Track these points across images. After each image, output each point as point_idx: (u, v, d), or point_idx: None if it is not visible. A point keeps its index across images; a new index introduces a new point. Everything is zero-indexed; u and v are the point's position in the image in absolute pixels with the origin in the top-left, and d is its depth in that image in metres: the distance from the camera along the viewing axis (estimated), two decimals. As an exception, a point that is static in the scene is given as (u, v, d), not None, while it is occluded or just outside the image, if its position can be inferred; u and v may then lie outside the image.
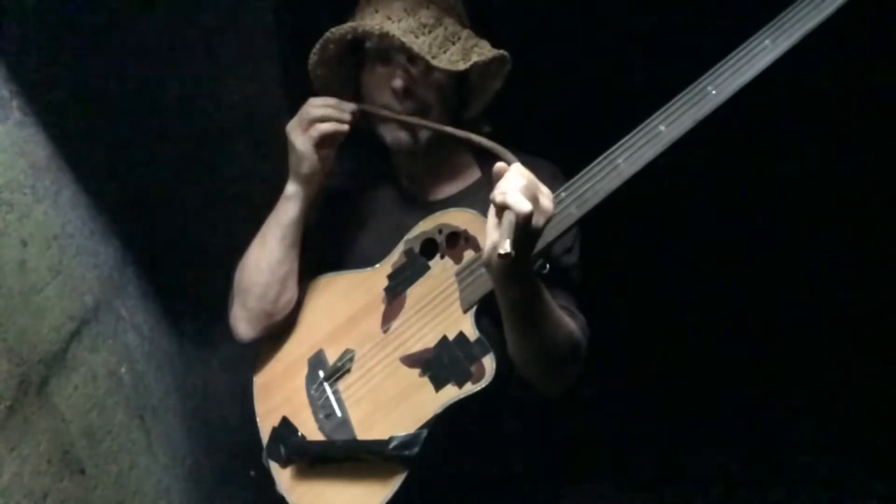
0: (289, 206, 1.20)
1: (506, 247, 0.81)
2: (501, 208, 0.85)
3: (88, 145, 1.38)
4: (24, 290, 1.09)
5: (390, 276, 1.19)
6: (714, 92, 0.98)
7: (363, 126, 1.23)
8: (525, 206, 0.83)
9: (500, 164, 0.91)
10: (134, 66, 1.49)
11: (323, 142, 1.15)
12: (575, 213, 1.01)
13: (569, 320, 1.09)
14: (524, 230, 0.85)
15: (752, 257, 2.25)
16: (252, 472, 1.79)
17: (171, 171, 1.61)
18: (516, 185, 0.86)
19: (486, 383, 1.05)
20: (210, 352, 1.80)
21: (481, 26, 1.21)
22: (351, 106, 1.17)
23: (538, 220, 0.87)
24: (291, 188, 1.19)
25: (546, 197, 0.90)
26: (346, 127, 1.15)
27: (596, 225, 1.20)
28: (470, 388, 1.06)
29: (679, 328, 2.24)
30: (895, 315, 2.11)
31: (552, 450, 1.43)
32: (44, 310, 1.14)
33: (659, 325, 2.25)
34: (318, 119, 1.14)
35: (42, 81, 1.23)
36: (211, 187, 1.65)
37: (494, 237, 0.87)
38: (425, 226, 1.17)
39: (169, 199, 1.63)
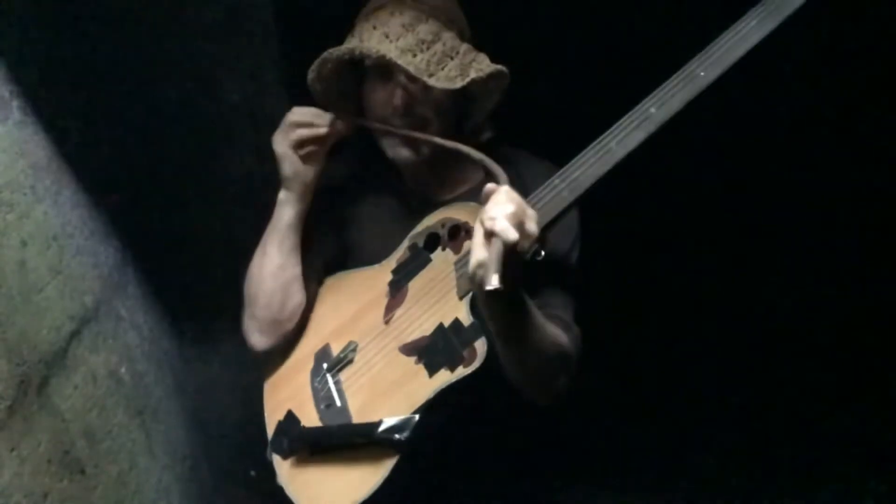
0: (283, 211, 1.22)
1: (493, 282, 0.84)
2: (489, 234, 0.88)
3: (88, 145, 1.38)
4: (24, 290, 1.09)
5: (394, 271, 1.21)
6: (703, 73, 1.01)
7: (365, 135, 1.23)
8: (512, 234, 0.87)
9: (489, 186, 0.94)
10: (134, 66, 1.50)
11: (303, 144, 1.17)
12: (568, 196, 1.03)
13: (558, 332, 1.09)
14: (511, 255, 0.88)
15: (752, 257, 2.25)
16: (252, 472, 1.79)
17: (171, 172, 1.61)
18: (505, 211, 0.89)
19: (478, 366, 1.06)
20: (210, 352, 1.80)
21: (480, 27, 1.21)
22: (329, 117, 1.18)
23: (523, 245, 0.91)
24: (282, 193, 1.22)
25: (532, 221, 0.93)
26: (323, 131, 1.17)
27: (596, 224, 1.21)
28: (462, 371, 1.07)
29: (678, 328, 2.24)
30: (895, 315, 2.11)
31: (549, 448, 1.43)
32: (44, 310, 1.14)
33: (658, 325, 2.25)
34: (295, 124, 1.17)
35: (42, 81, 1.23)
36: (211, 187, 1.66)
37: (480, 255, 0.90)
38: (429, 221, 1.19)
39: (169, 200, 1.63)
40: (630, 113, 1.02)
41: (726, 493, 1.96)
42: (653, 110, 1.01)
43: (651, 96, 1.02)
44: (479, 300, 1.00)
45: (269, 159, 1.24)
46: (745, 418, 2.15)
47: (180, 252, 1.66)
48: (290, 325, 1.26)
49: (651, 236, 2.19)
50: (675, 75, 1.02)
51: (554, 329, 1.09)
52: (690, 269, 2.23)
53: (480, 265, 0.89)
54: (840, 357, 2.19)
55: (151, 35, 1.49)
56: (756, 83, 1.03)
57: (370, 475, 1.11)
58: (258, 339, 1.26)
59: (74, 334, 1.23)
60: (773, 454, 2.05)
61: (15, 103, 1.15)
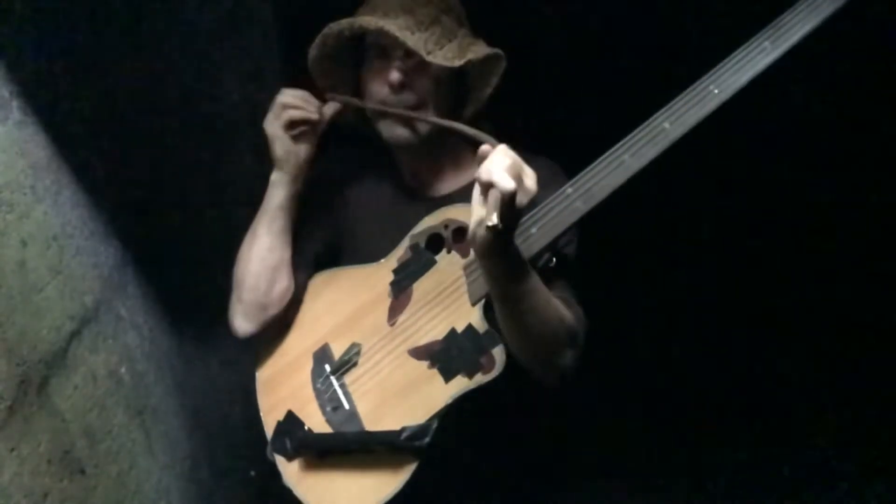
0: (274, 192, 1.23)
1: (493, 219, 0.85)
2: (487, 186, 0.88)
3: (88, 145, 1.38)
4: (24, 290, 1.09)
5: (396, 271, 1.20)
6: (716, 91, 1.01)
7: (362, 124, 1.24)
8: (509, 183, 0.86)
9: (484, 147, 0.94)
10: (134, 66, 1.49)
11: (293, 126, 1.18)
12: (581, 207, 1.04)
13: (561, 305, 1.09)
14: (508, 207, 0.88)
15: (753, 257, 2.25)
16: (252, 472, 1.79)
17: (171, 171, 1.61)
18: (501, 164, 0.89)
19: (497, 373, 1.07)
20: (210, 352, 1.80)
21: (483, 26, 1.22)
22: (317, 102, 1.19)
23: (521, 199, 0.90)
24: (274, 175, 1.23)
25: (530, 178, 0.92)
26: (314, 114, 1.18)
27: (597, 224, 1.21)
28: (480, 378, 1.08)
29: (680, 327, 2.24)
30: (895, 314, 2.11)
31: (554, 448, 1.43)
32: (44, 310, 1.14)
33: (659, 324, 2.25)
34: (285, 105, 1.18)
35: (42, 81, 1.23)
36: (211, 187, 1.65)
37: (480, 213, 0.90)
38: (431, 221, 1.19)
39: (169, 199, 1.63)
40: (643, 126, 1.02)
41: (726, 493, 1.96)
42: (666, 125, 1.01)
43: (664, 111, 1.02)
44: (480, 256, 0.99)
45: (269, 159, 1.24)
46: (745, 418, 2.14)
47: (180, 252, 1.66)
48: (276, 311, 1.26)
49: (652, 235, 2.19)
50: (687, 91, 1.02)
51: (557, 301, 1.08)
52: (691, 268, 2.23)
53: (480, 223, 0.90)
54: (840, 357, 2.19)
55: (152, 35, 1.49)
56: (758, 86, 1.03)
57: (388, 481, 1.11)
58: (242, 323, 1.26)
59: (74, 334, 1.22)
60: (773, 454, 2.05)
61: (15, 103, 1.15)
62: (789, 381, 2.20)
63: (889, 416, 2.03)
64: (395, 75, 1.14)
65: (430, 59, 1.10)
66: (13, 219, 1.08)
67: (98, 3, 1.42)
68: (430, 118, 1.15)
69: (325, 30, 1.15)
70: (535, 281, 1.03)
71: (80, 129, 1.36)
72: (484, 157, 0.91)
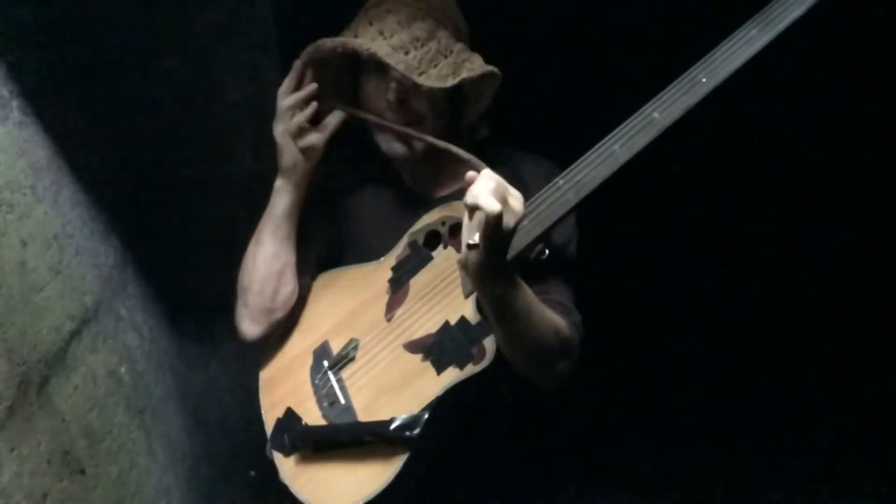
0: (279, 199, 1.23)
1: (475, 238, 0.87)
2: (473, 210, 0.89)
3: (88, 145, 1.38)
4: (24, 290, 1.09)
5: (394, 268, 1.22)
6: (704, 80, 1.02)
7: (363, 131, 1.24)
8: (493, 205, 0.88)
9: (470, 173, 0.95)
10: (134, 66, 1.50)
11: (302, 133, 1.19)
12: (573, 198, 1.04)
13: (555, 315, 1.10)
14: (495, 230, 0.89)
15: (752, 257, 2.25)
16: (252, 472, 1.80)
17: (171, 172, 1.61)
18: (486, 187, 0.90)
19: (487, 363, 1.08)
20: (210, 352, 1.80)
21: (477, 25, 1.22)
22: (313, 86, 1.19)
23: (508, 221, 0.91)
24: (279, 181, 1.23)
25: (516, 199, 0.94)
26: (314, 106, 1.18)
27: (595, 224, 1.21)
28: (471, 369, 1.09)
29: (678, 328, 2.24)
30: (894, 314, 2.11)
31: (549, 447, 1.43)
32: (44, 310, 1.14)
33: (658, 324, 2.25)
34: (290, 108, 1.18)
35: (42, 81, 1.23)
36: (211, 187, 1.66)
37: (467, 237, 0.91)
38: (429, 219, 1.20)
39: (169, 199, 1.64)
40: (633, 117, 1.03)
41: (726, 493, 1.96)
42: (656, 115, 1.02)
43: (653, 101, 1.03)
44: (473, 279, 1.00)
45: (269, 159, 1.24)
46: (745, 418, 2.14)
47: (180, 252, 1.66)
48: (282, 314, 1.27)
49: (650, 235, 2.19)
50: (676, 81, 1.03)
51: (552, 313, 1.09)
52: (690, 268, 2.23)
53: (469, 247, 0.91)
54: (840, 357, 2.19)
55: (151, 35, 1.49)
56: (753, 83, 1.03)
57: (379, 472, 1.11)
58: (249, 326, 1.26)
59: (74, 334, 1.23)
60: (773, 454, 2.05)
61: (15, 103, 1.15)
62: (789, 381, 2.20)
63: (889, 415, 2.03)
64: (392, 95, 1.15)
65: (422, 80, 1.10)
66: (13, 219, 1.09)
67: (98, 3, 1.42)
68: (426, 137, 1.16)
69: (318, 42, 1.15)
70: (530, 299, 1.04)
71: (80, 129, 1.36)
72: (470, 184, 0.93)
